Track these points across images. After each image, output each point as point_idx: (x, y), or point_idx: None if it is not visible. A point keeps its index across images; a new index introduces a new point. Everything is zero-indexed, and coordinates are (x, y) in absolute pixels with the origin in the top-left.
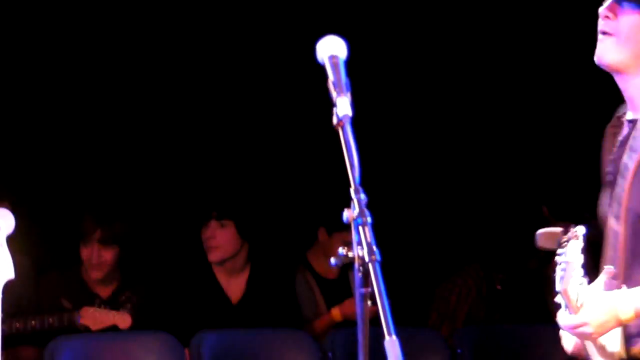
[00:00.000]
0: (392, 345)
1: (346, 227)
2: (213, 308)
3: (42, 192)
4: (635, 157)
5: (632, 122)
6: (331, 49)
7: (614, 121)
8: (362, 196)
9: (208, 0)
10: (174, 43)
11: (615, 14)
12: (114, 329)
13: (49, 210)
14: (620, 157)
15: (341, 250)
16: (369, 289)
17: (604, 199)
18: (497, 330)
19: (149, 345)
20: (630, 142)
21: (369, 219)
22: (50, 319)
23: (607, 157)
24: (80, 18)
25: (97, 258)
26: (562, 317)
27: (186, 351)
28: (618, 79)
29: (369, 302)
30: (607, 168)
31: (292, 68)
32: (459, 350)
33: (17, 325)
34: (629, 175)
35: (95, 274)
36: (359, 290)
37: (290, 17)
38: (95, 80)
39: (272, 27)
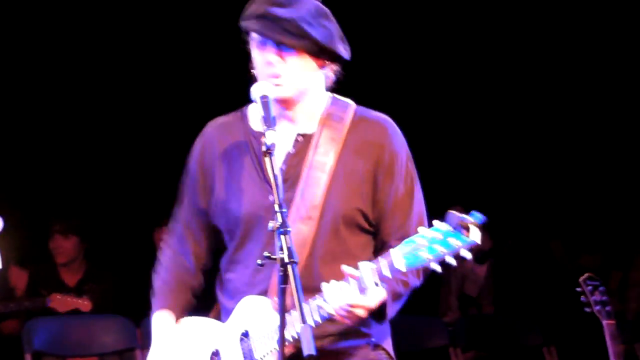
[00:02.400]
0: (305, 330)
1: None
2: None
3: (21, 198)
4: (326, 169)
5: (303, 136)
6: (262, 91)
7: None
8: (284, 210)
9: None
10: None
11: (283, 58)
12: (77, 311)
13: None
14: (295, 165)
15: (265, 253)
16: (288, 285)
17: (258, 200)
18: None
19: (107, 325)
20: (314, 156)
21: (289, 229)
22: (26, 303)
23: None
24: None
25: (59, 247)
26: (346, 294)
27: (138, 331)
28: (286, 106)
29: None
30: (277, 181)
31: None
32: None
33: None
34: (323, 185)
35: (59, 259)
36: (279, 286)
37: None
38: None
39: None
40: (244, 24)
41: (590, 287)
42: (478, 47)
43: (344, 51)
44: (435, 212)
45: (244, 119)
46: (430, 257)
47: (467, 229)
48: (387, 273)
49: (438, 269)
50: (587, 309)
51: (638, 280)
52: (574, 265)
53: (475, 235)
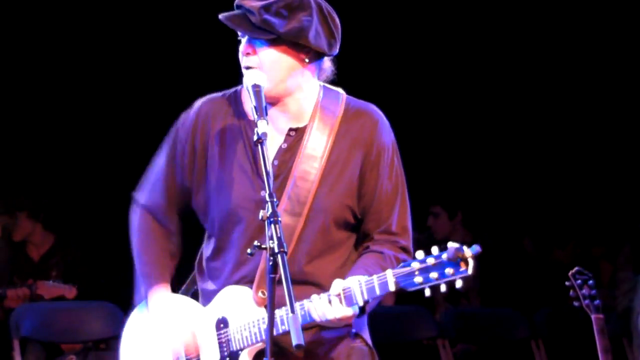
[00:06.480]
0: (294, 320)
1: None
2: None
3: None
4: (316, 165)
5: (295, 130)
6: (254, 80)
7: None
8: (275, 199)
9: None
10: None
11: (254, 51)
12: (64, 298)
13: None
14: (287, 160)
15: (256, 242)
16: (278, 275)
17: (249, 194)
18: None
19: (95, 312)
20: (305, 150)
21: (279, 218)
22: (13, 290)
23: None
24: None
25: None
26: (336, 309)
27: (126, 318)
28: (270, 101)
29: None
30: (267, 169)
31: None
32: None
33: None
34: (314, 180)
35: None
36: (268, 276)
37: None
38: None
39: None
40: (221, 15)
41: (579, 281)
42: (455, 41)
43: (324, 45)
44: (415, 207)
45: (238, 103)
46: (423, 282)
47: (465, 260)
48: (378, 292)
49: (428, 293)
50: (576, 303)
51: (626, 277)
52: (546, 260)
53: (471, 268)
